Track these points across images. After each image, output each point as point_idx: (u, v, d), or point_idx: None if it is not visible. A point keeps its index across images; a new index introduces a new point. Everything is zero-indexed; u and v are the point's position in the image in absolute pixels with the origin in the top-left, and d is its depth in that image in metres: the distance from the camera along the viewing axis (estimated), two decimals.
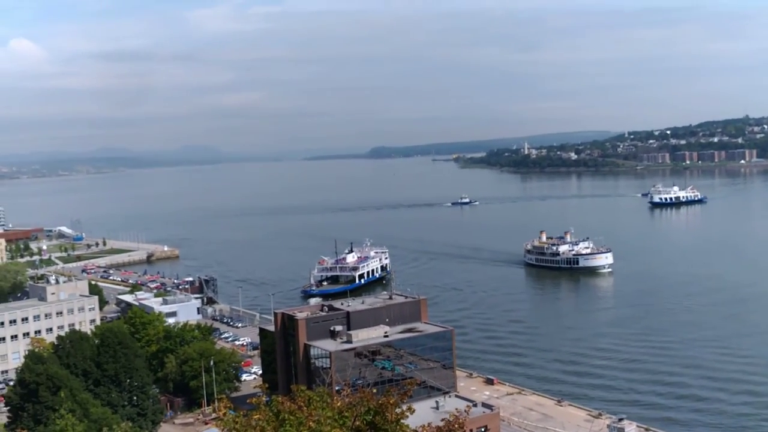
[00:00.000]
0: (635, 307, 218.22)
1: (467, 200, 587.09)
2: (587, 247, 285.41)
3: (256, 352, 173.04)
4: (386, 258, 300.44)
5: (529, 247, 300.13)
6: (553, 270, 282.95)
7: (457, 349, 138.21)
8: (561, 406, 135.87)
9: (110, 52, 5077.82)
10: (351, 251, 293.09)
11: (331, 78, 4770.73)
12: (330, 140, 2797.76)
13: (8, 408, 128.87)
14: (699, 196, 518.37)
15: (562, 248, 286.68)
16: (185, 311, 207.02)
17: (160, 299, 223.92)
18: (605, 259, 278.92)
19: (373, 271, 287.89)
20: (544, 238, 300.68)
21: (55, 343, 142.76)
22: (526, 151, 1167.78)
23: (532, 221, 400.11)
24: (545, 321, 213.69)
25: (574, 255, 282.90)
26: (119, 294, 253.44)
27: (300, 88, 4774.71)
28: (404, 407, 30.16)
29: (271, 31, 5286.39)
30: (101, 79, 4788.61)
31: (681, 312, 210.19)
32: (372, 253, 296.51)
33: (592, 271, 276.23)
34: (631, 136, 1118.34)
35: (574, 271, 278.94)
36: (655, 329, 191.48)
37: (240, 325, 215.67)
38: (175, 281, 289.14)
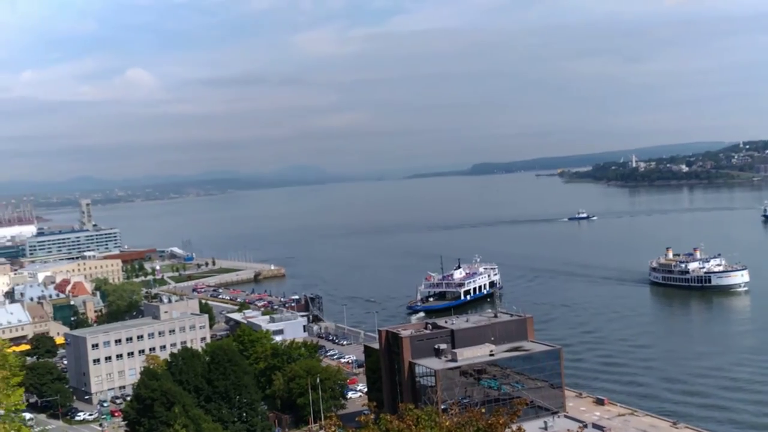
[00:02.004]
0: None
1: (585, 215, 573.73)
2: (719, 264, 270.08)
3: (361, 369, 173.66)
4: (495, 274, 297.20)
5: (654, 264, 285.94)
6: (682, 289, 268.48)
7: (568, 369, 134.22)
8: (677, 428, 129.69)
9: (219, 78, 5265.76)
10: (459, 267, 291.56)
11: (433, 96, 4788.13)
12: (432, 157, 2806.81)
13: (126, 422, 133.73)
14: None
15: (692, 266, 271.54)
16: (292, 329, 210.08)
17: (267, 317, 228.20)
18: (741, 277, 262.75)
19: (480, 287, 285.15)
20: (671, 255, 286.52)
21: (169, 360, 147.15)
22: (634, 164, 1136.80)
23: (651, 236, 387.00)
24: (669, 343, 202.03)
25: (705, 273, 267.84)
26: (228, 312, 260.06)
27: (402, 107, 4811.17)
28: (514, 427, 29.25)
29: (373, 52, 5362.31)
30: (210, 104, 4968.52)
31: None
32: (480, 269, 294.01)
33: (726, 291, 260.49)
34: (747, 146, 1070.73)
35: (705, 290, 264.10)
36: None
37: (345, 342, 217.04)
38: (282, 299, 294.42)
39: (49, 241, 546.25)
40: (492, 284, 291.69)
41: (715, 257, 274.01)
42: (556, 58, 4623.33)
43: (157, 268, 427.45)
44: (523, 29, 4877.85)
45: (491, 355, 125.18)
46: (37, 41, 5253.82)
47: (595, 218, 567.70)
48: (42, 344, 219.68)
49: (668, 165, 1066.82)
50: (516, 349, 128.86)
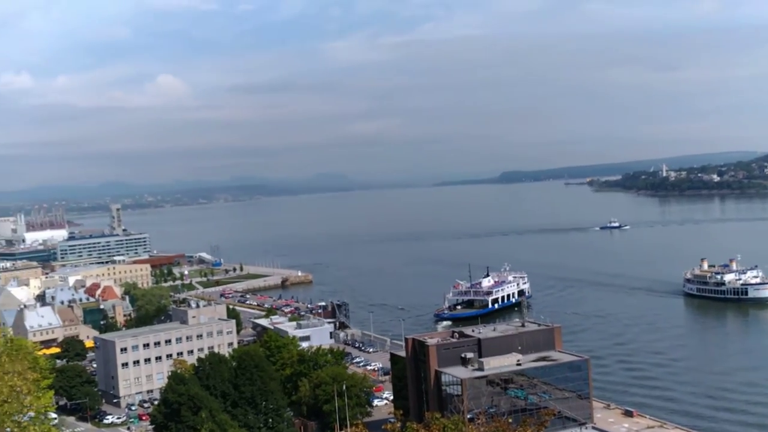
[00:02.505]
0: None
1: (617, 224, 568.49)
2: (756, 276, 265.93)
3: (387, 377, 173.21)
4: (525, 283, 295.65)
5: (689, 275, 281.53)
6: (717, 301, 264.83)
7: (597, 380, 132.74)
8: None
9: (249, 85, 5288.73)
10: (487, 275, 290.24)
11: (461, 103, 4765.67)
12: (459, 165, 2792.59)
13: (153, 426, 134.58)
14: None
15: (728, 277, 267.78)
16: (318, 335, 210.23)
17: (294, 323, 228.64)
18: None
19: (508, 296, 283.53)
20: (706, 266, 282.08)
21: (196, 364, 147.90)
22: (664, 174, 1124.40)
23: (684, 246, 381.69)
24: (703, 356, 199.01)
25: (742, 285, 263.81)
26: (255, 318, 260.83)
27: (430, 114, 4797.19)
28: None
29: (403, 59, 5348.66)
30: (239, 111, 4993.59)
31: None
32: (510, 278, 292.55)
33: (764, 303, 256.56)
34: None
35: (742, 302, 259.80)
36: None
37: (371, 350, 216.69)
38: (309, 306, 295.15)
39: (79, 245, 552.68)
40: (521, 293, 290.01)
41: (751, 269, 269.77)
42: (587, 66, 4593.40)
43: (186, 273, 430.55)
44: (554, 37, 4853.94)
45: (518, 364, 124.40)
46: (71, 47, 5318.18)
47: (627, 227, 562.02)
48: (72, 347, 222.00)
49: (699, 174, 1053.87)
50: (543, 358, 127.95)
